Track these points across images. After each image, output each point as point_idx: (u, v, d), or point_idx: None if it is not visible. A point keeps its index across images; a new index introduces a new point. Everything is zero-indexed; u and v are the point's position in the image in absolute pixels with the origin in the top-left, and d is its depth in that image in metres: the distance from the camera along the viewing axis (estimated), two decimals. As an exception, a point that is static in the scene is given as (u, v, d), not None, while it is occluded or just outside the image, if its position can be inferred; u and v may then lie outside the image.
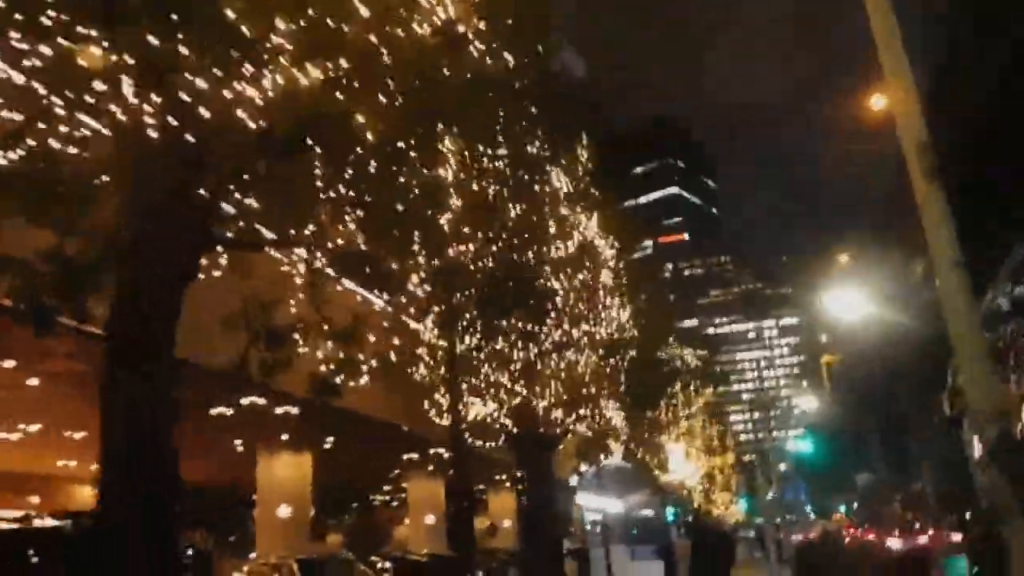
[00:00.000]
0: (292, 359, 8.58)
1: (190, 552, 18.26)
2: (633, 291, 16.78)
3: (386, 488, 44.91)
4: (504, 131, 11.27)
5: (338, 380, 9.13)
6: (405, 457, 30.37)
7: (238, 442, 23.07)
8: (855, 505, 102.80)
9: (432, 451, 29.02)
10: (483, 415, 15.60)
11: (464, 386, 15.27)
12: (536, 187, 14.40)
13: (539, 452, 16.08)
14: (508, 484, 45.96)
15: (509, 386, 15.22)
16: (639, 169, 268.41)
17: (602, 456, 26.34)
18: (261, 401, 17.38)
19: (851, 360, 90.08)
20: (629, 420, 17.21)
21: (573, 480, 26.07)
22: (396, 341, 12.81)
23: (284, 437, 22.65)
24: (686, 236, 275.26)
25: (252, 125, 7.14)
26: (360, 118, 7.65)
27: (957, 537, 43.19)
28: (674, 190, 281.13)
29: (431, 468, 33.75)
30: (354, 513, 56.47)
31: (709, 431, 50.05)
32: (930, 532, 48.37)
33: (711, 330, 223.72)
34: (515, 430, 15.63)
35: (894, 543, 48.45)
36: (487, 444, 16.45)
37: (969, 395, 6.40)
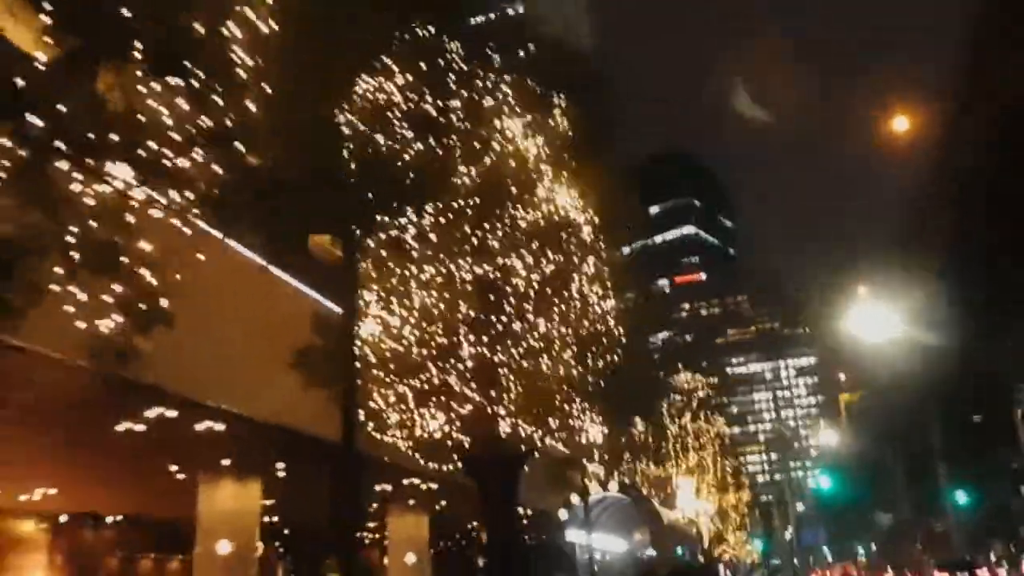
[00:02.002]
0: (37, 295, 5.54)
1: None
2: (618, 281, 13.79)
3: (371, 525, 41.75)
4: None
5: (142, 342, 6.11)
6: (377, 488, 27.33)
7: (173, 468, 20.15)
8: (872, 547, 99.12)
9: (406, 481, 26.06)
10: (432, 429, 12.65)
11: (404, 389, 12.38)
12: (488, 137, 11.68)
13: (500, 474, 13.07)
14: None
15: (459, 390, 12.33)
16: (655, 208, 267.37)
17: (595, 487, 23.33)
18: (171, 414, 14.53)
19: (872, 394, 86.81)
20: (611, 438, 13.97)
21: (563, 514, 22.91)
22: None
23: (225, 462, 19.73)
24: (703, 276, 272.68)
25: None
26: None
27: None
28: (691, 229, 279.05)
29: (412, 502, 30.71)
30: (339, 554, 53.21)
31: (722, 464, 46.74)
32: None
33: (728, 370, 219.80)
34: (470, 448, 12.62)
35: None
36: (440, 466, 13.43)
37: None
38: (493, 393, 12.15)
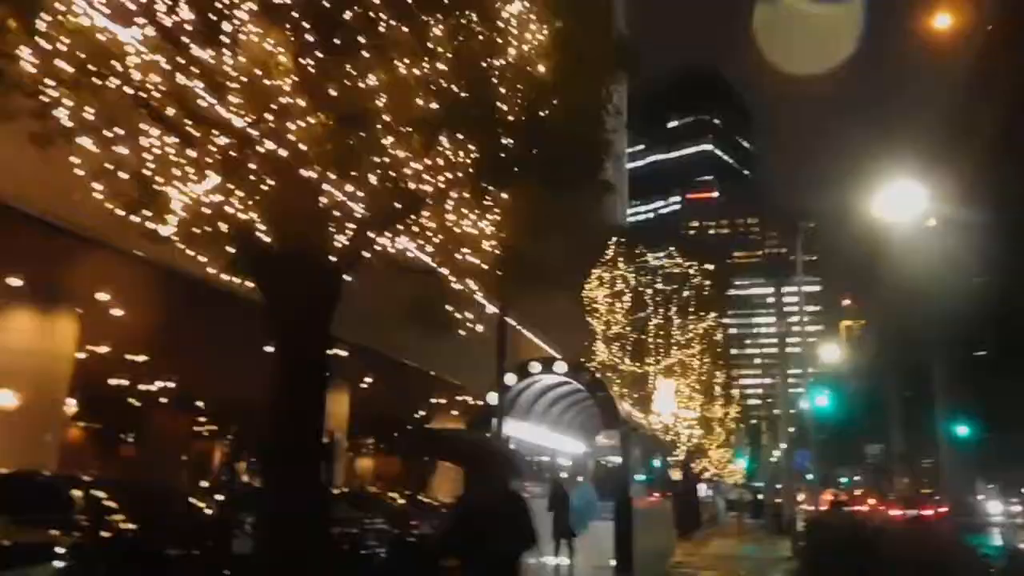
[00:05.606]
0: None
1: None
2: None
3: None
4: None
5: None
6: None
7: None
8: (856, 477, 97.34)
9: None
10: (200, 196, 7.17)
11: (149, 128, 6.89)
12: None
13: (299, 284, 7.55)
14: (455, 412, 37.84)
15: (236, 127, 6.86)
16: (673, 122, 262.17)
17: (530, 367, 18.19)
18: None
19: (876, 321, 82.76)
20: (507, 249, 8.02)
21: (492, 398, 17.78)
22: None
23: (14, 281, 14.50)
24: (716, 194, 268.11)
25: None
26: None
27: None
28: (708, 147, 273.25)
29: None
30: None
31: (711, 369, 41.65)
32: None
33: (731, 291, 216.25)
34: (265, 236, 7.13)
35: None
36: (230, 279, 7.93)
37: None
38: (275, 123, 6.67)
